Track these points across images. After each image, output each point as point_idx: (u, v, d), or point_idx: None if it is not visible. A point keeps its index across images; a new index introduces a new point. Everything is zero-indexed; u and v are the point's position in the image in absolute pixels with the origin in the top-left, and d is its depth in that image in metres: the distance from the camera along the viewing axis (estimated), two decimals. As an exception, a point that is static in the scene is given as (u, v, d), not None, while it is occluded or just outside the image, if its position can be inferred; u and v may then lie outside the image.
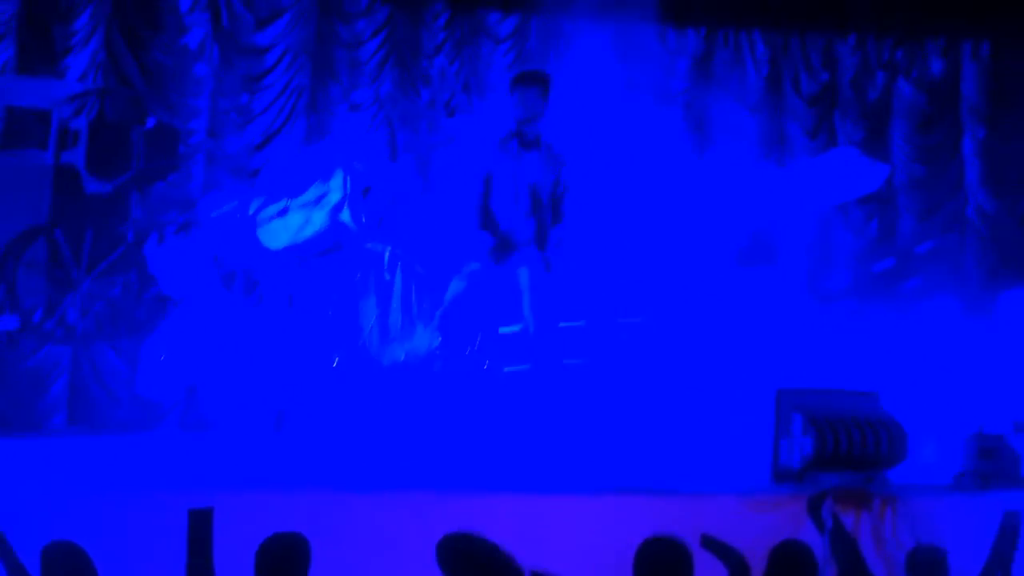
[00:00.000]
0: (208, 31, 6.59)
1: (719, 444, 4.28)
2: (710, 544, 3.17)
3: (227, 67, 6.60)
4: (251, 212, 5.73)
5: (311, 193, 5.65)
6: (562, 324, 4.16)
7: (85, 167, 5.94)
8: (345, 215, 5.54)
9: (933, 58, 7.30)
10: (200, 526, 3.09)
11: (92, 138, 5.98)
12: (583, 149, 5.29)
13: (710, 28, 7.00)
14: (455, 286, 4.32)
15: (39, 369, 6.16)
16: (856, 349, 5.14)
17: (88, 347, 6.04)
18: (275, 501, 3.15)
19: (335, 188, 5.59)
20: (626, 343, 5.09)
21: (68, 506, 3.16)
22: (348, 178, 5.58)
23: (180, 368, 5.59)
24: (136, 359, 5.80)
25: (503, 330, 3.93)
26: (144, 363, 5.63)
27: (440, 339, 4.16)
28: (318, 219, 5.57)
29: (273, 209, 5.67)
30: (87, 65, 6.52)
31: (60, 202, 5.91)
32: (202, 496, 3.15)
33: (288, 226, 5.63)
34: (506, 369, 3.94)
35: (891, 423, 3.61)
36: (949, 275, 6.47)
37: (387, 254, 5.36)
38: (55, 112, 5.95)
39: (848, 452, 3.47)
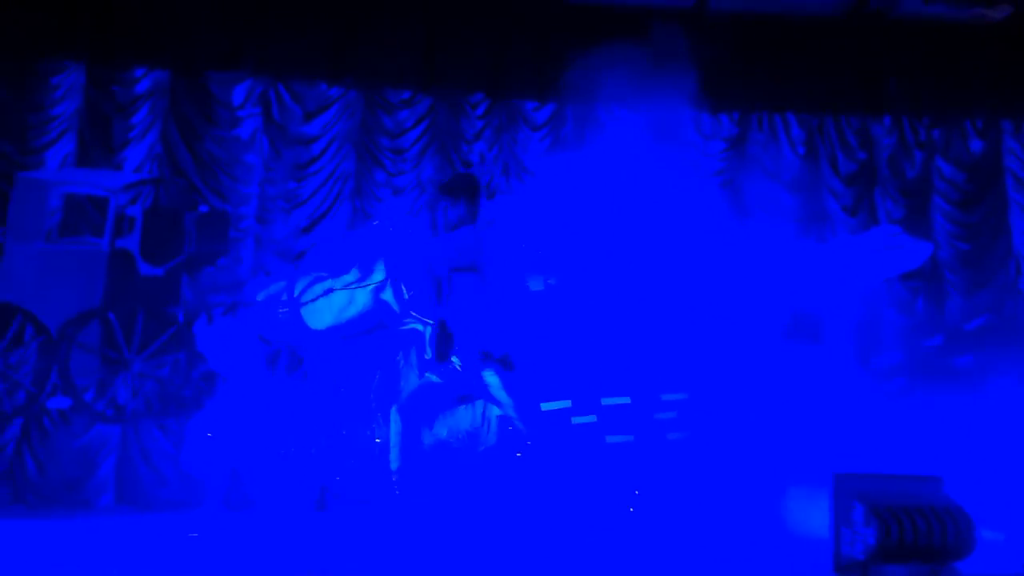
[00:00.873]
0: (259, 124, 6.91)
1: (775, 531, 4.16)
2: None
3: (276, 156, 6.89)
4: (296, 293, 5.88)
5: (354, 274, 5.80)
6: (606, 401, 4.13)
7: (139, 252, 6.17)
8: (387, 295, 5.67)
9: (972, 136, 7.37)
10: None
11: (146, 224, 6.23)
12: (622, 229, 5.39)
13: (743, 112, 7.17)
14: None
15: (88, 448, 6.26)
16: (911, 429, 5.02)
17: (137, 426, 6.13)
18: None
19: (378, 269, 5.73)
20: (670, 420, 5.04)
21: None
22: (390, 259, 5.72)
23: (225, 446, 5.66)
24: (182, 438, 5.89)
25: (545, 407, 3.93)
26: (190, 441, 5.71)
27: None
28: (361, 299, 5.71)
29: (318, 289, 5.82)
30: (144, 156, 6.85)
31: (114, 285, 6.12)
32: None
33: (332, 306, 5.77)
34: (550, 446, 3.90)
35: (956, 511, 3.50)
36: (1002, 350, 6.34)
37: (429, 332, 5.44)
38: (112, 200, 6.22)
39: (914, 543, 3.36)
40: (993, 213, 7.32)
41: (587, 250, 5.78)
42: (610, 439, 4.64)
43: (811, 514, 3.93)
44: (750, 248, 5.79)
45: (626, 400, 4.94)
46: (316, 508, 5.62)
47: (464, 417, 5.32)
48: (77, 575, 3.18)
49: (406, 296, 5.73)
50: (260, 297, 5.98)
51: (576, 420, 4.31)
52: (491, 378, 4.17)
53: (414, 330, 5.52)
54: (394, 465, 4.25)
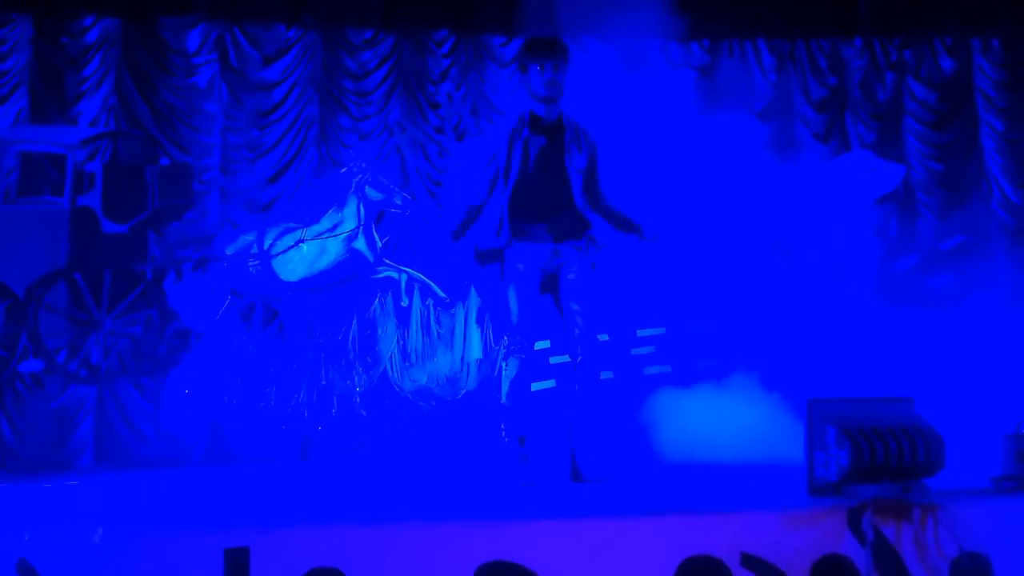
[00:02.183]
0: (216, 70, 6.68)
1: (752, 457, 4.26)
2: (750, 562, 3.15)
3: (236, 104, 6.68)
4: (266, 245, 5.79)
5: (325, 223, 5.72)
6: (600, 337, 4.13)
7: (101, 209, 6.03)
8: (360, 243, 5.60)
9: (942, 56, 7.30)
10: (237, 565, 3.11)
11: (107, 180, 6.06)
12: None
13: (713, 40, 7.03)
14: (512, 302, 3.87)
15: (65, 410, 6.21)
16: (885, 353, 5.10)
17: (112, 386, 6.08)
18: (310, 536, 3.16)
19: (349, 217, 5.64)
20: (648, 355, 5.09)
21: (104, 547, 3.17)
22: (361, 206, 5.64)
23: (203, 402, 5.64)
24: (159, 396, 5.85)
25: (538, 345, 3.92)
26: (168, 398, 5.68)
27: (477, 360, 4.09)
28: (333, 249, 5.63)
29: (288, 241, 5.74)
30: (99, 109, 6.62)
31: (78, 245, 5.99)
32: (237, 535, 3.16)
33: (304, 257, 5.69)
34: (534, 387, 3.93)
35: (927, 430, 3.58)
36: (977, 269, 6.42)
37: (404, 279, 5.40)
38: (70, 157, 6.04)
39: (885, 462, 3.44)
40: (965, 133, 7.32)
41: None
42: (603, 376, 4.67)
43: (786, 440, 4.02)
44: (724, 177, 5.77)
45: (604, 337, 4.97)
46: (300, 458, 5.66)
47: (444, 362, 5.32)
48: (63, 537, 3.17)
49: (379, 244, 5.67)
50: (229, 251, 5.88)
51: (555, 360, 4.33)
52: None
53: (389, 278, 5.47)
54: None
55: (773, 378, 5.12)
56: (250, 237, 5.89)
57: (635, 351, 5.02)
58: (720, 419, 4.75)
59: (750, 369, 5.24)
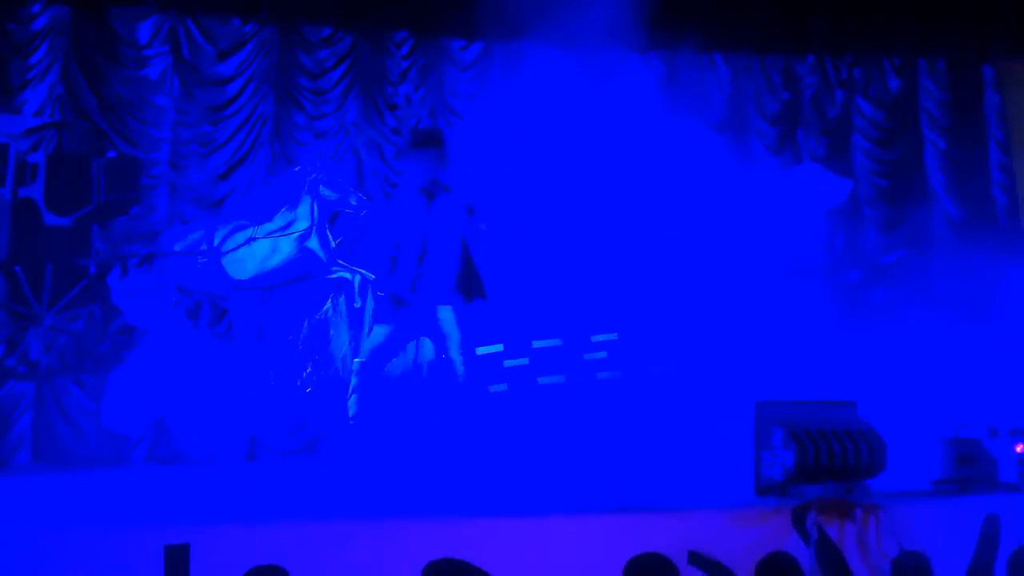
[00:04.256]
0: (168, 63, 6.55)
1: (700, 458, 4.32)
2: (697, 560, 3.20)
3: (188, 98, 6.56)
4: (216, 242, 5.69)
5: (277, 221, 5.65)
6: (536, 343, 4.19)
7: (44, 201, 5.87)
8: (313, 243, 5.54)
9: (890, 75, 7.55)
10: (177, 563, 3.05)
11: (51, 172, 5.91)
12: (554, 171, 5.36)
13: (671, 52, 7.15)
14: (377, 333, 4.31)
15: (2, 406, 6.01)
16: (830, 360, 5.24)
17: (52, 382, 5.91)
18: (253, 534, 3.12)
19: (302, 216, 5.58)
20: (601, 360, 5.15)
21: (41, 545, 3.09)
22: (315, 206, 5.58)
23: (147, 400, 5.51)
24: (101, 393, 5.70)
25: (480, 351, 3.95)
26: (110, 396, 5.54)
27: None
28: (285, 247, 5.56)
29: (239, 238, 5.65)
30: (44, 99, 6.44)
31: (19, 237, 5.82)
32: (178, 532, 3.11)
33: (255, 255, 5.61)
34: (491, 389, 3.95)
35: (870, 433, 3.69)
36: (916, 284, 6.64)
37: (357, 280, 5.36)
38: (12, 146, 5.87)
39: (829, 463, 3.53)
40: (910, 150, 7.56)
41: (518, 194, 5.76)
42: (542, 380, 4.71)
43: (732, 443, 4.10)
44: (681, 188, 5.87)
45: (557, 342, 5.01)
46: (246, 458, 5.56)
47: (395, 364, 5.29)
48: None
49: (333, 244, 5.62)
50: (177, 247, 5.76)
51: (508, 363, 4.35)
52: (446, 313, 4.18)
53: (342, 279, 5.42)
54: (351, 412, 4.26)
55: (723, 380, 5.21)
56: (199, 234, 5.78)
57: (588, 356, 5.08)
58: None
59: (701, 371, 5.33)
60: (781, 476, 3.50)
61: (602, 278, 5.43)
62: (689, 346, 5.44)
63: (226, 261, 5.63)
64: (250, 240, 5.59)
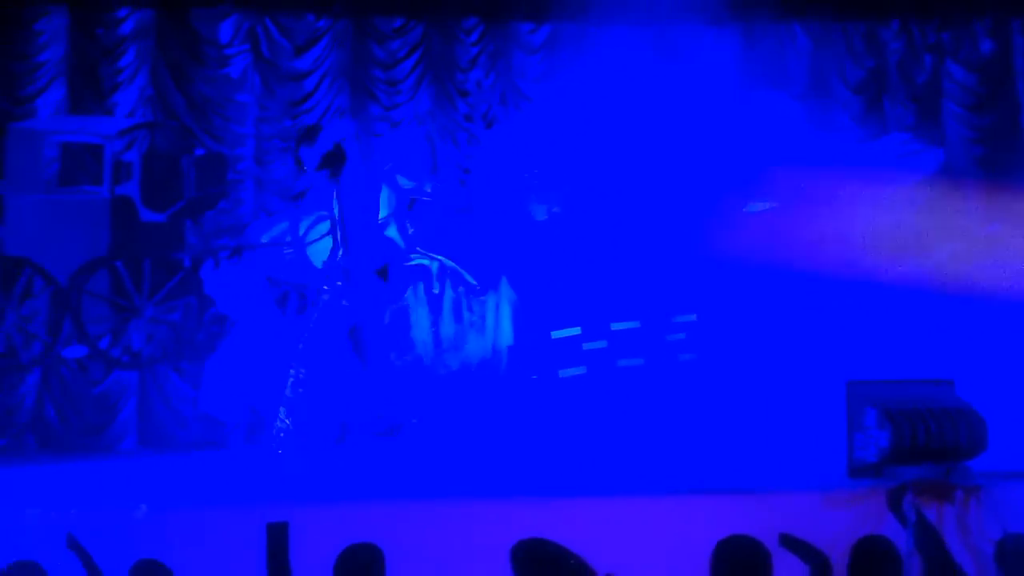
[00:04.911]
0: (249, 61, 6.78)
1: (791, 440, 4.28)
2: (789, 543, 3.18)
3: (269, 94, 6.78)
4: (300, 233, 5.90)
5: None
6: (615, 326, 4.21)
7: (139, 198, 6.17)
8: (392, 231, 5.68)
9: (981, 37, 7.18)
10: (278, 539, 3.22)
11: (144, 170, 6.20)
12: (627, 152, 5.32)
13: (748, 24, 6.97)
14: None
15: (108, 394, 6.38)
16: (924, 338, 5.08)
17: (153, 371, 6.25)
18: (348, 513, 3.27)
19: (381, 206, 5.73)
20: (687, 341, 5.10)
21: (150, 525, 3.31)
22: (393, 195, 5.72)
23: (242, 387, 5.78)
24: (199, 380, 6.00)
25: (556, 335, 4.01)
26: (207, 383, 5.83)
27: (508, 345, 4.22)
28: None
29: (322, 229, 5.84)
30: (135, 100, 6.75)
31: (118, 233, 6.14)
32: (278, 510, 3.28)
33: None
34: (561, 374, 4.01)
35: (969, 412, 3.57)
36: (1014, 257, 6.33)
37: (435, 267, 5.48)
38: (107, 147, 6.18)
39: (926, 444, 3.44)
40: (1005, 115, 7.20)
41: (591, 175, 5.75)
42: (622, 363, 4.71)
43: (824, 424, 4.05)
44: (762, 162, 5.74)
45: (635, 324, 5.00)
46: (336, 441, 5.78)
47: (475, 348, 5.40)
48: (110, 516, 3.31)
49: (410, 232, 5.75)
50: (264, 239, 6.00)
51: (587, 346, 4.38)
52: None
53: (420, 266, 5.55)
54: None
55: (811, 359, 5.11)
56: (284, 225, 6.00)
57: (669, 338, 5.04)
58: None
59: (788, 350, 5.23)
60: (875, 457, 3.44)
61: (681, 258, 5.36)
62: (775, 326, 5.34)
63: (310, 251, 5.84)
64: (332, 231, 5.75)
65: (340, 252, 5.15)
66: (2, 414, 6.41)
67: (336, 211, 5.07)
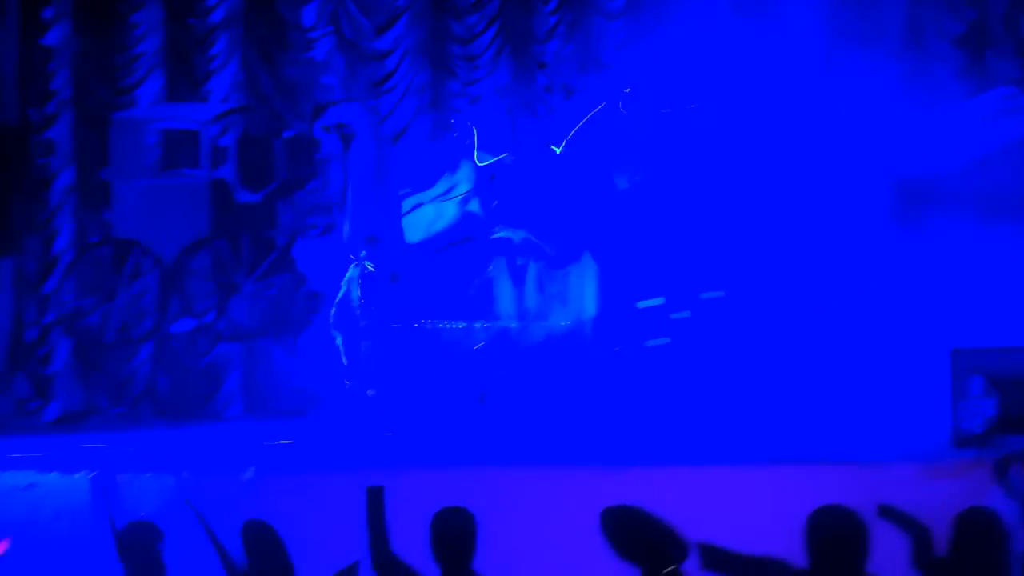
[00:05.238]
0: (333, 43, 6.96)
1: (892, 410, 4.18)
2: (888, 514, 3.11)
3: (352, 75, 6.96)
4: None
5: (440, 187, 5.93)
6: (704, 295, 4.17)
7: (235, 180, 6.46)
8: (474, 205, 5.79)
9: (1094, -15, 6.68)
10: (376, 502, 3.40)
11: (239, 153, 6.48)
12: (709, 116, 5.21)
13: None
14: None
15: (214, 365, 6.77)
16: None
17: (255, 344, 6.58)
18: (441, 478, 3.41)
19: (462, 180, 5.84)
20: (781, 309, 5.00)
21: (257, 488, 3.53)
22: (474, 169, 5.82)
23: (334, 359, 6.02)
24: (297, 352, 6.30)
25: (640, 305, 4.02)
26: (303, 356, 6.11)
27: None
28: (449, 211, 5.85)
29: (406, 205, 6.00)
30: (228, 86, 7.05)
31: (216, 214, 6.46)
32: (375, 475, 3.46)
33: (421, 220, 5.94)
34: (647, 344, 4.03)
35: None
36: None
37: (518, 239, 5.56)
38: (204, 132, 6.48)
39: (1035, 413, 3.33)
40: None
41: (673, 142, 5.67)
42: (712, 332, 4.64)
43: (926, 393, 3.95)
44: (852, 124, 5.52)
45: (721, 293, 4.93)
46: (427, 409, 5.97)
47: (559, 319, 5.47)
48: (215, 476, 3.55)
49: (493, 205, 5.84)
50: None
51: (673, 316, 4.38)
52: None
53: (504, 239, 5.64)
54: None
55: (915, 327, 4.95)
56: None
57: (705, 295, 4.89)
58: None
59: (891, 318, 5.06)
60: (981, 427, 3.35)
61: (770, 225, 5.23)
62: (877, 293, 5.16)
63: (393, 227, 6.00)
64: (416, 207, 5.92)
65: (346, 226, 5.30)
66: (119, 385, 6.90)
67: (344, 182, 5.21)
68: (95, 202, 7.00)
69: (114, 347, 6.67)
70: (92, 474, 3.56)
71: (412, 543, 3.36)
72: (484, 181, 5.85)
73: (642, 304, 4.44)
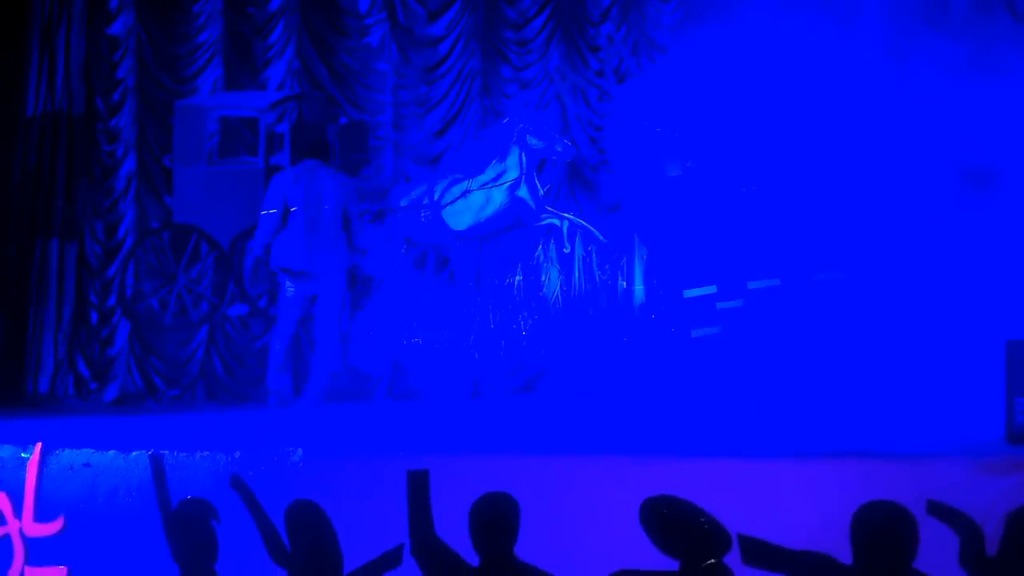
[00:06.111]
0: (387, 29, 6.99)
1: (943, 404, 4.04)
2: (938, 510, 2.98)
3: (405, 61, 6.98)
4: (436, 196, 6.10)
5: (489, 173, 5.93)
6: (752, 284, 4.08)
7: (291, 167, 6.55)
8: (523, 191, 5.77)
9: None
10: (419, 485, 3.42)
11: (294, 140, 6.58)
12: (765, 103, 5.09)
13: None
14: None
15: (267, 349, 6.91)
16: None
17: (307, 327, 6.70)
18: (484, 463, 3.41)
19: (512, 167, 5.82)
20: (833, 297, 4.87)
21: (305, 468, 3.59)
22: (523, 155, 5.79)
23: (385, 342, 6.10)
24: (348, 336, 6.38)
25: (689, 293, 3.95)
26: (354, 339, 6.20)
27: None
28: (498, 198, 5.85)
29: (456, 191, 6.01)
30: (284, 73, 7.15)
31: (273, 200, 6.55)
32: (419, 459, 3.48)
33: (471, 207, 5.96)
34: (695, 333, 3.96)
35: None
36: None
37: (566, 226, 5.52)
38: (261, 119, 6.60)
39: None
40: None
41: (727, 128, 5.56)
42: (756, 322, 4.57)
43: (981, 386, 3.80)
44: (914, 107, 5.32)
45: (775, 283, 4.82)
46: (471, 397, 6.01)
47: (607, 305, 5.43)
48: (266, 456, 3.63)
49: (541, 192, 5.81)
50: (403, 203, 6.25)
51: (722, 305, 4.29)
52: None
53: (551, 225, 5.61)
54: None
55: (969, 318, 4.77)
56: (421, 189, 6.22)
57: (757, 284, 4.80)
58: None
59: (943, 309, 4.89)
60: (1037, 423, 3.19)
61: (823, 214, 5.09)
62: (928, 281, 4.99)
63: (445, 213, 6.03)
64: (466, 192, 5.93)
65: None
66: (176, 367, 7.10)
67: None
68: (157, 188, 7.20)
69: (172, 330, 6.85)
70: (148, 452, 3.67)
71: (454, 527, 3.37)
72: (533, 168, 5.82)
73: (691, 292, 4.35)
